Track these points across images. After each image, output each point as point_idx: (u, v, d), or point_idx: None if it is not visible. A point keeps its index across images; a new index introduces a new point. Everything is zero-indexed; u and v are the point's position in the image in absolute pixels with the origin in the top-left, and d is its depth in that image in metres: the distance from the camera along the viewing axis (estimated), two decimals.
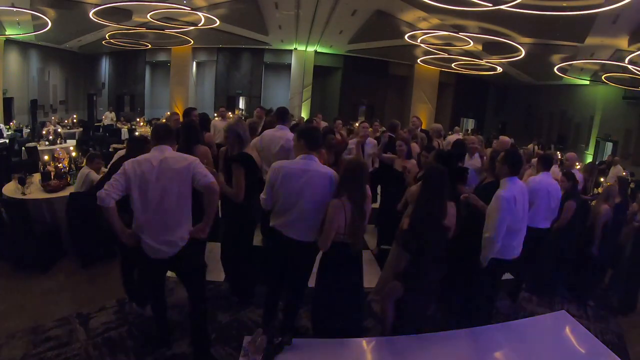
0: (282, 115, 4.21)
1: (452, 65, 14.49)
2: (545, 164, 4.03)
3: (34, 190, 4.39)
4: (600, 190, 5.78)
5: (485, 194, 3.21)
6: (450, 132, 10.08)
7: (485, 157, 4.33)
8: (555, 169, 5.49)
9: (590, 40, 8.62)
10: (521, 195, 3.07)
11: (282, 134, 3.97)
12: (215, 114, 11.48)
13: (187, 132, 3.62)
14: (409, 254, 2.76)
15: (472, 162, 4.43)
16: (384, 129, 6.86)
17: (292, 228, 2.70)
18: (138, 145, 3.22)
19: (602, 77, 11.09)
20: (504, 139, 5.20)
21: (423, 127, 7.60)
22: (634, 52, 8.00)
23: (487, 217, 3.00)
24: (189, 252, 2.56)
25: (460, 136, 7.58)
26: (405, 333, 2.61)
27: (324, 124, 7.86)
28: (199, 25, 11.16)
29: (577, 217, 4.15)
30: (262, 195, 2.81)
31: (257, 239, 3.97)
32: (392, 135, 5.97)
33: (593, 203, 4.75)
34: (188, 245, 2.55)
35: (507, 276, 3.72)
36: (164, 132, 2.67)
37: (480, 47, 11.04)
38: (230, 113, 11.20)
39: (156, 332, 2.89)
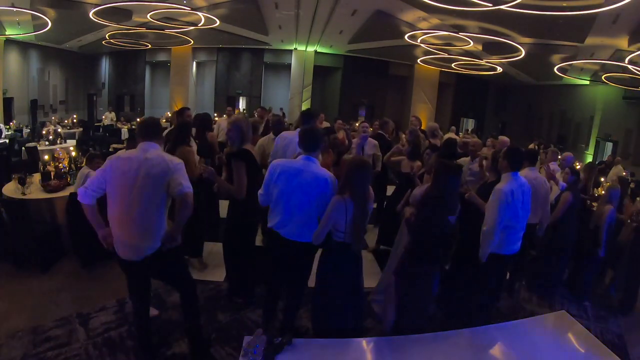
0: (305, 119, 3.93)
1: (452, 65, 14.49)
2: (530, 159, 4.04)
3: (34, 190, 4.39)
4: (600, 190, 5.77)
5: (487, 194, 3.21)
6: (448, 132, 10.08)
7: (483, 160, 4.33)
8: (555, 166, 5.50)
9: (590, 40, 8.62)
10: (520, 191, 3.07)
11: None
12: (216, 115, 11.50)
13: (179, 132, 3.64)
14: (410, 235, 2.74)
15: (474, 165, 4.39)
16: None
17: (287, 228, 2.70)
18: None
19: (602, 77, 11.08)
20: (503, 139, 5.20)
21: (422, 127, 7.61)
22: (634, 52, 8.00)
23: (486, 210, 3.04)
24: (159, 256, 2.44)
25: (453, 135, 7.57)
26: (405, 333, 2.61)
27: (325, 124, 7.84)
28: (199, 25, 11.16)
29: (573, 213, 4.14)
30: (260, 191, 2.82)
31: (258, 239, 3.96)
32: (381, 133, 5.96)
33: (594, 204, 4.75)
34: (158, 251, 2.43)
35: None
36: (150, 128, 2.52)
37: (480, 47, 11.04)
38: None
39: (144, 340, 2.74)
